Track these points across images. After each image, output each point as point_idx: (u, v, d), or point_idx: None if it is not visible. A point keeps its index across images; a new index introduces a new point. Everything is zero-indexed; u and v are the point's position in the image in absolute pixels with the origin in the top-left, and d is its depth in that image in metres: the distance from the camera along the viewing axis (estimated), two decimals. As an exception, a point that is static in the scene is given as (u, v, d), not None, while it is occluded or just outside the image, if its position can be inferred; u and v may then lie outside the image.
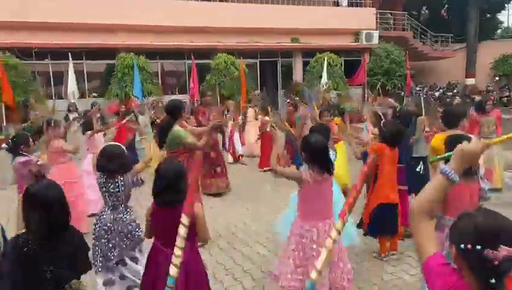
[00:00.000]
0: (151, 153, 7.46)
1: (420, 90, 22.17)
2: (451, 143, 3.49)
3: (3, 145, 4.87)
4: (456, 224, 1.52)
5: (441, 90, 23.06)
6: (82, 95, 14.89)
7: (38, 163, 4.50)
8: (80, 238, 2.61)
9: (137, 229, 3.65)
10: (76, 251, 2.51)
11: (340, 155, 7.19)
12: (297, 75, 20.09)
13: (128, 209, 3.70)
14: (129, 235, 3.57)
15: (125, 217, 3.61)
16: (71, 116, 11.02)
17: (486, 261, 1.36)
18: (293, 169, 3.53)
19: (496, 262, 1.34)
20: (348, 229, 4.09)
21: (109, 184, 3.57)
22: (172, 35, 16.85)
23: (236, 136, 10.07)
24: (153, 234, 3.10)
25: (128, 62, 14.92)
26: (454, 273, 1.49)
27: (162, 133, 5.07)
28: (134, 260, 3.61)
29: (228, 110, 10.44)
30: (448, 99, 19.57)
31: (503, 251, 1.34)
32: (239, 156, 10.07)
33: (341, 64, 19.12)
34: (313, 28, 19.24)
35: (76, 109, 11.63)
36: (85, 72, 16.31)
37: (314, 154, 3.37)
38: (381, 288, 4.07)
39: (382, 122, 4.80)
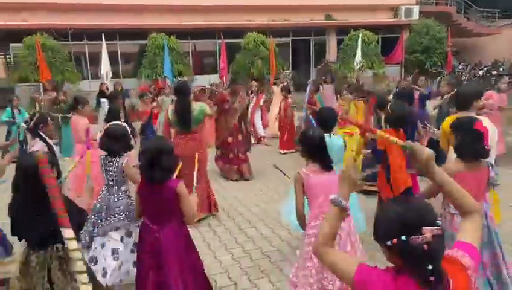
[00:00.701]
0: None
1: (463, 69, 21.09)
2: (456, 127, 3.29)
3: (23, 124, 5.02)
4: (375, 226, 1.49)
5: (486, 69, 21.81)
6: (115, 76, 15.29)
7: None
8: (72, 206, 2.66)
9: (127, 212, 3.67)
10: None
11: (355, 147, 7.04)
12: (331, 53, 19.61)
13: (122, 191, 3.72)
14: (116, 215, 3.61)
15: (117, 197, 3.66)
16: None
17: (416, 248, 1.34)
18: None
19: (426, 246, 1.33)
20: (355, 215, 4.01)
21: (110, 163, 3.66)
22: (204, 15, 16.84)
23: (257, 116, 9.97)
24: (142, 213, 3.14)
25: (159, 43, 15.09)
26: (388, 273, 1.45)
27: (183, 114, 5.09)
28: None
29: (252, 92, 10.34)
30: (493, 78, 18.56)
31: (427, 232, 1.33)
32: (261, 138, 9.99)
33: (377, 42, 18.47)
34: (348, 4, 18.62)
35: (108, 89, 11.92)
36: (119, 52, 16.66)
37: (311, 149, 3.21)
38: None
39: (389, 105, 4.56)
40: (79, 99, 5.80)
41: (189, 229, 3.12)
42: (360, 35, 16.99)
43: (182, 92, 5.20)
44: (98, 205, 3.67)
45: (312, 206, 3.19)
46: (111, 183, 3.70)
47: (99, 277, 3.42)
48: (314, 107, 8.26)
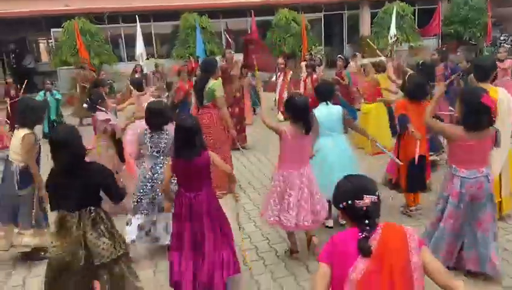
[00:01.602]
0: None
1: (505, 40, 20.14)
2: (463, 100, 3.37)
3: (85, 105, 5.53)
4: (334, 195, 2.01)
5: (530, 39, 20.74)
6: (150, 57, 15.74)
7: (112, 123, 5.12)
8: (99, 173, 3.00)
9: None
10: (90, 182, 2.92)
11: (382, 117, 7.11)
12: (365, 28, 19.20)
13: (166, 161, 4.02)
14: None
15: (162, 166, 4.03)
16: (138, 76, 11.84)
17: (358, 209, 1.87)
18: (278, 124, 4.09)
19: (364, 208, 1.86)
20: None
21: (155, 135, 4.06)
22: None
23: (285, 94, 10.03)
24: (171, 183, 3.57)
25: (191, 22, 15.32)
26: (348, 231, 1.95)
27: (198, 89, 5.41)
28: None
29: (278, 69, 10.41)
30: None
31: (367, 199, 1.88)
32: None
33: (412, 14, 17.91)
34: (383, -24, 18.11)
35: (142, 70, 12.35)
36: (153, 34, 17.07)
37: (296, 113, 3.65)
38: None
39: (407, 76, 4.69)
40: (99, 81, 6.19)
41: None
42: (395, 7, 16.52)
43: (203, 69, 5.54)
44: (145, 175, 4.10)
45: (283, 160, 3.76)
46: (156, 154, 4.08)
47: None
48: (341, 81, 8.32)
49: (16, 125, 4.23)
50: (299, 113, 3.62)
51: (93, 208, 2.95)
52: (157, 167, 4.09)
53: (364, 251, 1.79)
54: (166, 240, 3.99)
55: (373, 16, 18.71)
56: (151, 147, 4.08)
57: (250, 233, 4.54)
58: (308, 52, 14.04)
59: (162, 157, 4.11)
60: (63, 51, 15.01)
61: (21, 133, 3.98)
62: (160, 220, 4.13)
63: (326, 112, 4.32)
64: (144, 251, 4.29)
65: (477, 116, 3.18)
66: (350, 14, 19.47)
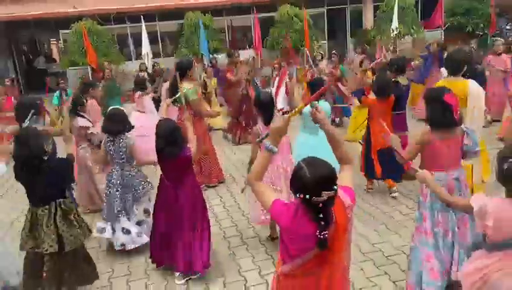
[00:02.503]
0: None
1: (511, 29, 20.08)
2: (426, 98, 3.47)
3: (65, 107, 5.84)
4: (291, 179, 2.01)
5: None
6: (157, 55, 16.13)
7: (90, 132, 5.29)
8: (59, 168, 3.31)
9: (143, 184, 4.31)
10: (51, 176, 3.22)
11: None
12: (368, 22, 19.30)
13: (133, 167, 4.31)
14: (133, 189, 4.25)
15: (132, 173, 4.27)
16: (141, 75, 12.24)
17: (314, 204, 1.89)
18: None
19: (321, 204, 1.89)
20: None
21: (114, 144, 4.19)
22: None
23: (282, 91, 10.21)
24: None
25: (194, 21, 15.64)
26: (292, 209, 2.01)
27: (172, 89, 5.59)
28: (147, 212, 4.35)
29: (275, 68, 10.64)
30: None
31: (324, 195, 1.88)
32: (280, 110, 10.25)
33: (414, 6, 17.96)
34: (385, -32, 18.16)
35: (146, 68, 12.76)
36: (158, 33, 17.45)
37: (259, 107, 4.04)
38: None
39: (375, 76, 5.01)
40: (89, 83, 6.36)
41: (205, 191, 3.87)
42: (397, 0, 16.58)
43: (178, 70, 5.43)
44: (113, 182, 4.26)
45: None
46: (122, 161, 4.24)
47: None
48: (334, 71, 8.59)
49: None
50: (263, 107, 4.01)
51: (62, 200, 3.30)
52: (126, 173, 4.23)
53: (323, 247, 1.91)
54: (130, 245, 4.24)
55: (376, 9, 18.79)
56: (112, 154, 4.21)
57: (237, 221, 4.88)
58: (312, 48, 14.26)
59: (128, 164, 4.25)
60: (71, 52, 15.47)
61: None
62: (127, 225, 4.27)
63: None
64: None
65: (442, 115, 3.12)
66: (353, 8, 19.58)
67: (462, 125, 3.27)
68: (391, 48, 17.33)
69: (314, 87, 4.73)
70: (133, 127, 4.36)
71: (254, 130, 4.07)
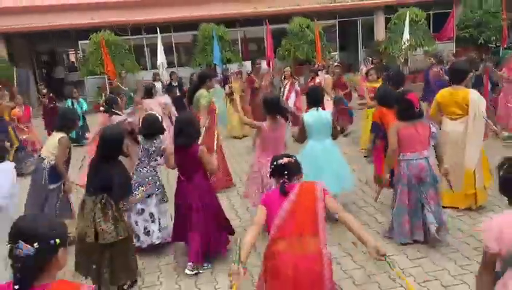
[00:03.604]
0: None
1: (523, 42, 20.05)
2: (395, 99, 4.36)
3: (101, 108, 6.26)
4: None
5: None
6: (171, 65, 16.56)
7: (129, 121, 5.69)
8: (120, 172, 3.67)
9: (156, 182, 4.54)
10: (111, 177, 3.59)
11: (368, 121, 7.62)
12: (379, 33, 19.52)
13: (151, 167, 4.54)
14: (143, 185, 4.48)
15: (147, 170, 4.51)
16: (156, 84, 12.65)
17: (279, 166, 2.69)
18: (256, 122, 4.79)
19: (283, 164, 2.69)
20: (340, 177, 4.74)
21: (146, 145, 4.49)
22: (251, 3, 17.58)
23: (291, 100, 10.42)
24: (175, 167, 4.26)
25: (208, 32, 16.06)
26: (273, 191, 2.77)
27: (189, 95, 6.05)
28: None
29: (285, 77, 10.89)
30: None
31: (285, 159, 2.72)
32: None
33: (425, 19, 18.14)
34: (397, -19, 18.45)
35: (160, 78, 13.17)
36: (173, 43, 17.92)
37: (268, 107, 4.45)
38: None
39: (377, 88, 5.27)
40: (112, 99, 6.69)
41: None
42: (408, 13, 16.82)
43: (199, 79, 6.17)
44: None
45: (263, 149, 4.55)
46: (143, 159, 4.53)
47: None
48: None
49: (53, 130, 4.96)
50: (273, 108, 4.40)
51: (105, 195, 3.59)
52: (141, 168, 4.50)
53: (282, 190, 2.58)
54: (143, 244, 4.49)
55: (387, 21, 19.02)
56: (144, 153, 4.50)
57: (246, 221, 5.11)
58: (323, 59, 14.51)
59: (147, 161, 4.51)
60: (90, 62, 15.99)
61: (58, 135, 4.69)
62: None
63: (316, 117, 4.75)
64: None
65: (407, 109, 4.09)
66: (364, 20, 19.84)
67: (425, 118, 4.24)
68: (402, 60, 17.69)
69: (311, 95, 4.95)
70: (164, 130, 4.64)
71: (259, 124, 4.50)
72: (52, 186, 4.74)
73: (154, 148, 4.45)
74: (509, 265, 1.97)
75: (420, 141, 4.11)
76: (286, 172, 2.62)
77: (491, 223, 2.04)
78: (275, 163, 2.70)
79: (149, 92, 7.70)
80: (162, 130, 4.53)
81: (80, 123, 10.83)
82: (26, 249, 1.52)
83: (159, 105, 7.93)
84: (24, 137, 9.53)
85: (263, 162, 4.41)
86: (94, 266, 3.62)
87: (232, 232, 4.37)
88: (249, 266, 3.87)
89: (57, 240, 1.59)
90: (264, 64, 13.24)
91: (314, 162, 4.65)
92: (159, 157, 4.51)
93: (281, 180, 2.62)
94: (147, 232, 4.46)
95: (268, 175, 4.18)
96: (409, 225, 4.23)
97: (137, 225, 4.44)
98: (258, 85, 7.91)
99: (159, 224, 4.49)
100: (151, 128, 4.46)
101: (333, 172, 4.69)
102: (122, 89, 10.62)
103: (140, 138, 4.61)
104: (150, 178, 4.48)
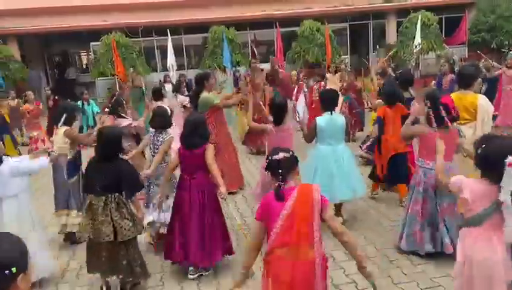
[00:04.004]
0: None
1: (537, 47, 19.79)
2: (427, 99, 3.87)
3: (106, 109, 6.30)
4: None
5: None
6: (181, 67, 16.66)
7: (134, 125, 5.78)
8: (127, 168, 3.72)
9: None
10: (119, 174, 3.61)
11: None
12: (391, 37, 19.43)
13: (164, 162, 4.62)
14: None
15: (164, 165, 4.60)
16: (166, 86, 12.74)
17: (274, 162, 2.52)
18: (262, 125, 4.76)
19: (277, 162, 2.51)
20: (353, 183, 4.69)
21: (155, 138, 4.64)
22: (262, 5, 17.61)
23: (301, 101, 10.40)
24: (174, 169, 4.23)
25: (218, 35, 16.13)
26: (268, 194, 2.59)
27: (193, 100, 6.05)
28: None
29: (293, 81, 10.89)
30: None
31: (281, 154, 2.53)
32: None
33: (438, 23, 18.00)
34: (409, -15, 18.36)
35: (170, 79, 13.24)
36: (183, 46, 18.02)
37: (275, 111, 4.40)
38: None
39: (382, 83, 5.21)
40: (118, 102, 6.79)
41: (224, 197, 3.98)
42: (420, 16, 16.70)
43: (196, 82, 6.20)
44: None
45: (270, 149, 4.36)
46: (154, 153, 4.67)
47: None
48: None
49: (55, 126, 5.01)
50: (276, 108, 4.42)
51: (117, 194, 3.63)
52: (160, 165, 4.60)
53: (278, 196, 2.44)
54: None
55: (399, 24, 18.91)
56: (153, 147, 4.67)
57: (250, 224, 5.09)
58: (333, 62, 14.46)
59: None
60: (101, 63, 16.15)
61: (62, 129, 4.77)
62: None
63: (329, 121, 4.63)
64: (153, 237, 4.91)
65: (439, 113, 3.67)
66: (376, 23, 19.75)
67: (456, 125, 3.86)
68: (413, 64, 17.56)
69: (325, 98, 4.86)
70: (172, 123, 4.78)
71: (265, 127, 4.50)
72: (71, 180, 4.87)
73: (158, 140, 4.59)
74: (475, 224, 2.54)
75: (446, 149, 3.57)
76: (280, 170, 2.47)
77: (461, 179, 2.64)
78: (270, 158, 2.55)
79: (158, 94, 7.70)
80: (169, 124, 4.70)
81: (91, 123, 11.01)
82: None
83: (179, 104, 8.08)
84: (35, 134, 9.71)
85: None
86: (108, 264, 3.67)
87: (230, 252, 4.19)
88: (257, 279, 3.90)
89: (13, 269, 1.35)
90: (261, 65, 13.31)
91: (325, 168, 4.61)
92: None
93: (277, 183, 2.46)
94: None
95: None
96: (420, 235, 3.97)
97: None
98: (259, 81, 7.96)
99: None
100: (158, 121, 4.62)
101: (345, 178, 4.64)
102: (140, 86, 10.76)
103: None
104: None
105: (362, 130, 9.10)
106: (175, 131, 4.99)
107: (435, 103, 3.73)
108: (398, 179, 5.25)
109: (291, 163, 2.55)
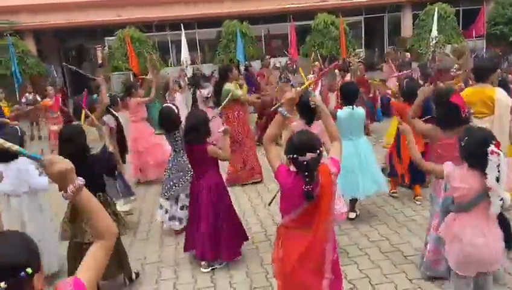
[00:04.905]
0: None
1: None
2: (435, 100, 3.69)
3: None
4: (286, 146, 2.48)
5: None
6: (195, 62, 16.68)
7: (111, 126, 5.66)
8: (100, 163, 3.60)
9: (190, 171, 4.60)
10: (92, 171, 3.31)
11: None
12: (406, 30, 19.16)
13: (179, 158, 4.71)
14: (186, 174, 4.67)
15: (184, 160, 4.64)
16: (181, 81, 12.78)
17: (300, 162, 2.38)
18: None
19: (305, 162, 2.36)
20: (376, 176, 4.64)
21: (169, 136, 4.71)
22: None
23: (318, 96, 10.37)
24: None
25: (232, 29, 16.10)
26: (292, 174, 2.51)
27: (216, 93, 6.09)
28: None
29: (313, 72, 10.82)
30: None
31: (308, 155, 2.36)
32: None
33: (455, 15, 17.68)
34: (425, -23, 18.03)
35: (186, 74, 13.26)
36: (197, 40, 18.03)
37: (300, 108, 4.10)
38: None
39: (404, 81, 5.09)
40: (132, 85, 6.90)
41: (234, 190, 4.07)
42: (436, 9, 16.39)
43: (220, 75, 6.31)
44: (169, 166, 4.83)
45: None
46: (176, 149, 4.76)
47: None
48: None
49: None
50: (303, 107, 4.14)
51: (100, 193, 3.56)
52: (178, 159, 4.75)
53: (309, 198, 2.38)
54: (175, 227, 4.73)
55: (415, 17, 18.63)
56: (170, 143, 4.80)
57: (263, 219, 5.09)
58: (348, 56, 14.33)
59: (173, 154, 4.79)
60: (115, 58, 16.26)
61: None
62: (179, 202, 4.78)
63: (350, 115, 4.52)
64: (168, 231, 4.96)
65: (450, 114, 3.29)
66: (391, 16, 19.49)
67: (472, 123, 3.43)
68: (430, 57, 17.30)
69: (345, 92, 4.79)
70: (181, 120, 4.74)
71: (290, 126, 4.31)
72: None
73: (175, 138, 4.68)
74: (464, 210, 2.70)
75: (453, 154, 3.13)
76: (307, 172, 2.35)
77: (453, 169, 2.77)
78: (296, 157, 2.37)
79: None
80: (178, 122, 4.69)
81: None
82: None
83: (201, 97, 8.22)
84: (55, 128, 9.84)
85: None
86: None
87: (245, 238, 4.22)
88: (269, 273, 3.90)
89: (28, 270, 1.27)
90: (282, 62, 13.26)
91: (347, 164, 4.36)
92: None
93: (305, 187, 2.34)
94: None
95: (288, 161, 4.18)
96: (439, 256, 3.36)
97: (183, 209, 4.71)
98: (272, 78, 7.85)
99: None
100: (168, 124, 4.65)
101: (368, 173, 4.58)
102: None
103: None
104: (187, 169, 4.64)
105: (376, 120, 9.04)
106: None
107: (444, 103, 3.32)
108: (416, 180, 5.19)
109: (318, 159, 2.41)
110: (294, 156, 2.38)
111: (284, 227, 2.61)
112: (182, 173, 4.73)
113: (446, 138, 3.34)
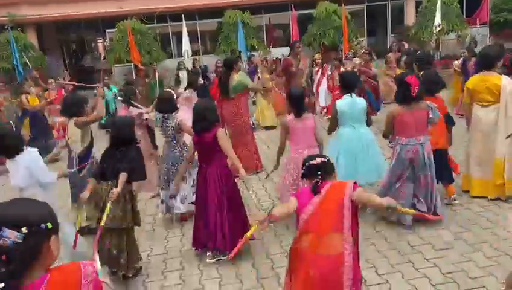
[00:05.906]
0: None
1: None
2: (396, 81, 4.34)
3: (119, 98, 6.36)
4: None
5: None
6: (196, 53, 16.59)
7: (145, 117, 5.75)
8: (136, 156, 3.81)
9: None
10: (131, 161, 3.69)
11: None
12: (409, 18, 18.95)
13: (179, 145, 4.73)
14: (176, 164, 4.67)
15: (176, 150, 4.67)
16: (180, 72, 12.75)
17: (313, 167, 2.61)
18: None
19: (315, 167, 2.60)
20: (379, 167, 4.63)
21: (164, 122, 4.73)
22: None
23: (323, 87, 10.25)
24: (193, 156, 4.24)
25: (233, 19, 15.97)
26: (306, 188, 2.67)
27: (221, 84, 6.09)
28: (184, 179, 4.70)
29: (316, 64, 10.76)
30: None
31: (318, 159, 2.65)
32: (322, 109, 10.28)
33: (458, 2, 17.47)
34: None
35: (185, 66, 13.23)
36: (198, 31, 17.92)
37: (291, 101, 4.26)
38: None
39: (421, 73, 4.97)
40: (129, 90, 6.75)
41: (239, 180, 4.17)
42: (440, -5, 16.18)
43: (226, 66, 6.32)
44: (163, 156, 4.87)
45: (292, 143, 4.33)
46: (168, 139, 4.75)
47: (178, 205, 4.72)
48: (368, 71, 8.58)
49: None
50: (294, 100, 4.25)
51: (114, 181, 3.67)
52: (171, 150, 4.83)
53: (315, 190, 2.52)
54: (178, 210, 4.80)
55: (418, 5, 18.42)
56: (163, 132, 4.86)
57: (267, 209, 5.08)
58: (350, 45, 14.20)
59: (174, 142, 4.84)
60: (117, 50, 16.16)
61: (72, 121, 4.76)
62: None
63: (350, 103, 4.59)
64: (175, 222, 4.97)
65: (403, 91, 4.10)
66: (394, 4, 19.28)
67: (428, 102, 4.18)
68: (433, 45, 17.15)
69: (345, 80, 4.79)
70: (177, 108, 4.94)
71: (283, 120, 4.29)
72: (81, 174, 4.85)
73: (167, 125, 4.75)
74: None
75: (416, 126, 4.13)
76: (319, 172, 2.55)
77: None
78: (307, 164, 2.63)
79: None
80: (174, 108, 4.89)
81: (112, 108, 11.09)
82: (12, 236, 1.28)
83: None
84: (59, 120, 9.83)
85: (296, 156, 4.25)
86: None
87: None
88: (275, 264, 3.92)
89: (49, 224, 1.36)
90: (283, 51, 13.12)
91: (349, 150, 4.58)
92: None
93: (314, 180, 2.54)
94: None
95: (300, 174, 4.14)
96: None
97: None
98: (295, 68, 7.54)
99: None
100: (164, 105, 4.83)
101: (369, 160, 4.61)
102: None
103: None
104: (181, 158, 4.70)
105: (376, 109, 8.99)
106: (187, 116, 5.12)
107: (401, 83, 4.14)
108: (441, 177, 4.74)
109: (330, 167, 2.65)
110: (306, 163, 2.64)
111: (295, 242, 2.59)
112: (173, 166, 4.82)
113: (403, 113, 4.14)
